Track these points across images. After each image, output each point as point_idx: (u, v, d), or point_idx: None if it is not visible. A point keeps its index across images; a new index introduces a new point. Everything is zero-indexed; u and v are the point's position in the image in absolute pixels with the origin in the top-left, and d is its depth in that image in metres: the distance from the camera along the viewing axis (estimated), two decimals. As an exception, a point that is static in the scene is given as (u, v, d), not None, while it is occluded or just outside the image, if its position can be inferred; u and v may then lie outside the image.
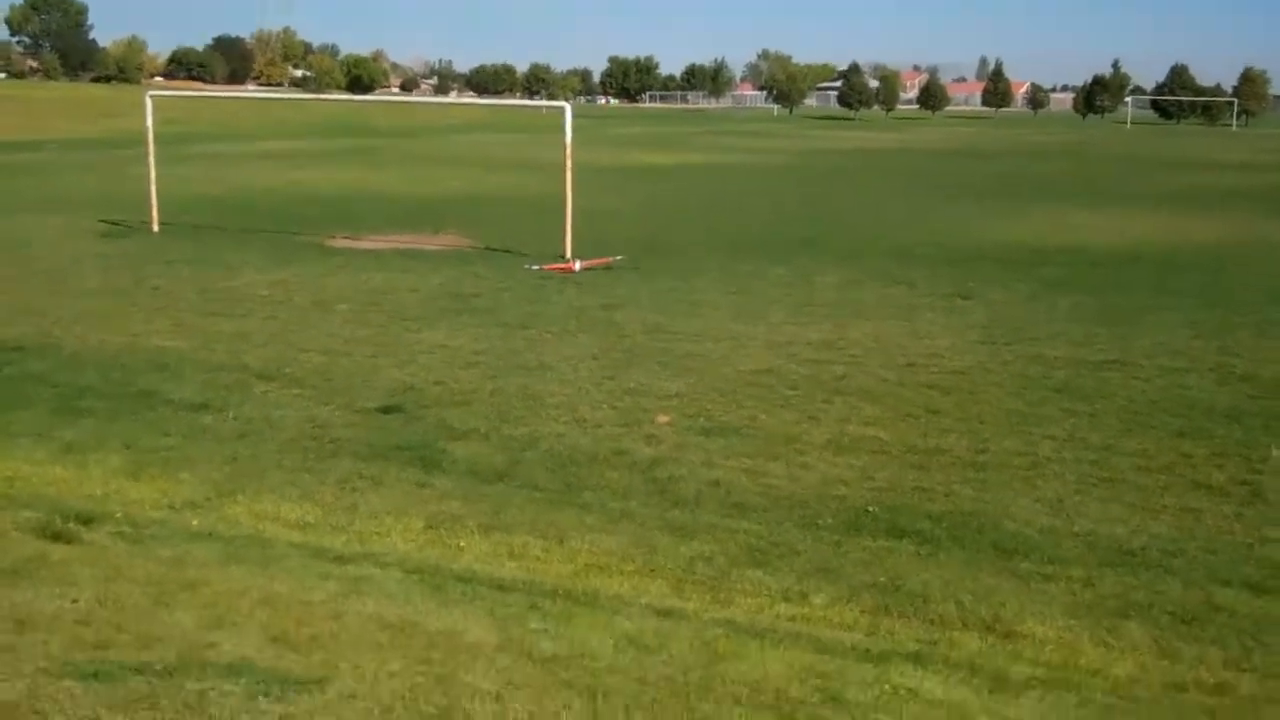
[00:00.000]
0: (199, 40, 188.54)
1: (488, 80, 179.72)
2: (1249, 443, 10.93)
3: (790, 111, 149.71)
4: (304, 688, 5.62)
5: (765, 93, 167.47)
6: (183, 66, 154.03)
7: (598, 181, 35.67)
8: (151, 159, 25.57)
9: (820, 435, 11.00)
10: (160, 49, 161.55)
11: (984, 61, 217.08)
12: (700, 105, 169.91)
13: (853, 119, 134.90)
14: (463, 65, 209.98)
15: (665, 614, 7.15)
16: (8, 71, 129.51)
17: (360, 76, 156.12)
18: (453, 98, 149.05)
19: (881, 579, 7.91)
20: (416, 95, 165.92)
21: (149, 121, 26.16)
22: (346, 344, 14.34)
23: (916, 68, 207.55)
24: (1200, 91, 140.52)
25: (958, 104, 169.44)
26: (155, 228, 24.78)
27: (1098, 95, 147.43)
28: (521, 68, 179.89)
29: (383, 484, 9.51)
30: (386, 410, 11.55)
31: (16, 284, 18.26)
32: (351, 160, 49.48)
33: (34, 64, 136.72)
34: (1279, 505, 9.41)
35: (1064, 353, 14.36)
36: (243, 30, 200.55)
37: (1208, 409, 12.03)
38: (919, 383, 12.92)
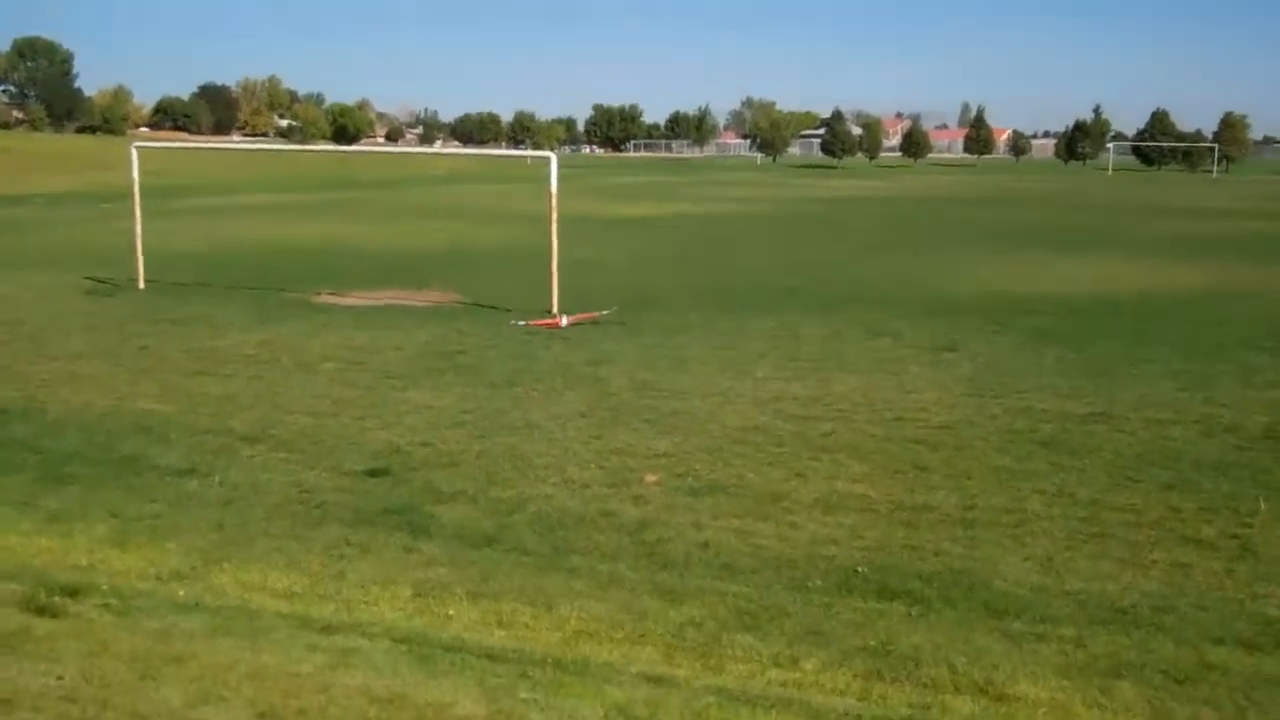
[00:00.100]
0: (184, 89, 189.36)
1: (473, 129, 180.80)
2: (1237, 495, 10.96)
3: (774, 160, 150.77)
4: (292, 768, 5.56)
5: (749, 141, 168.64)
6: (168, 116, 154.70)
7: (583, 233, 35.80)
8: (138, 213, 25.58)
9: (808, 493, 11.00)
10: (146, 98, 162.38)
11: (966, 108, 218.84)
12: (684, 154, 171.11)
13: (836, 167, 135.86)
14: (448, 114, 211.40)
15: (656, 682, 7.11)
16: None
17: (345, 126, 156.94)
18: (438, 147, 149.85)
19: (872, 642, 7.87)
20: (402, 145, 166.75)
21: (134, 175, 26.19)
22: (333, 405, 14.31)
23: (899, 114, 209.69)
24: (1181, 137, 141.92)
25: (940, 150, 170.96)
26: (141, 284, 24.77)
27: (1079, 141, 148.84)
28: (506, 116, 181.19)
29: (370, 550, 9.45)
30: (373, 473, 11.50)
31: (0, 345, 18.19)
32: (336, 213, 49.62)
33: (19, 114, 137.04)
34: (1269, 560, 9.41)
35: (1050, 406, 14.41)
36: (229, 79, 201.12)
37: (1195, 462, 12.06)
38: (906, 438, 12.93)
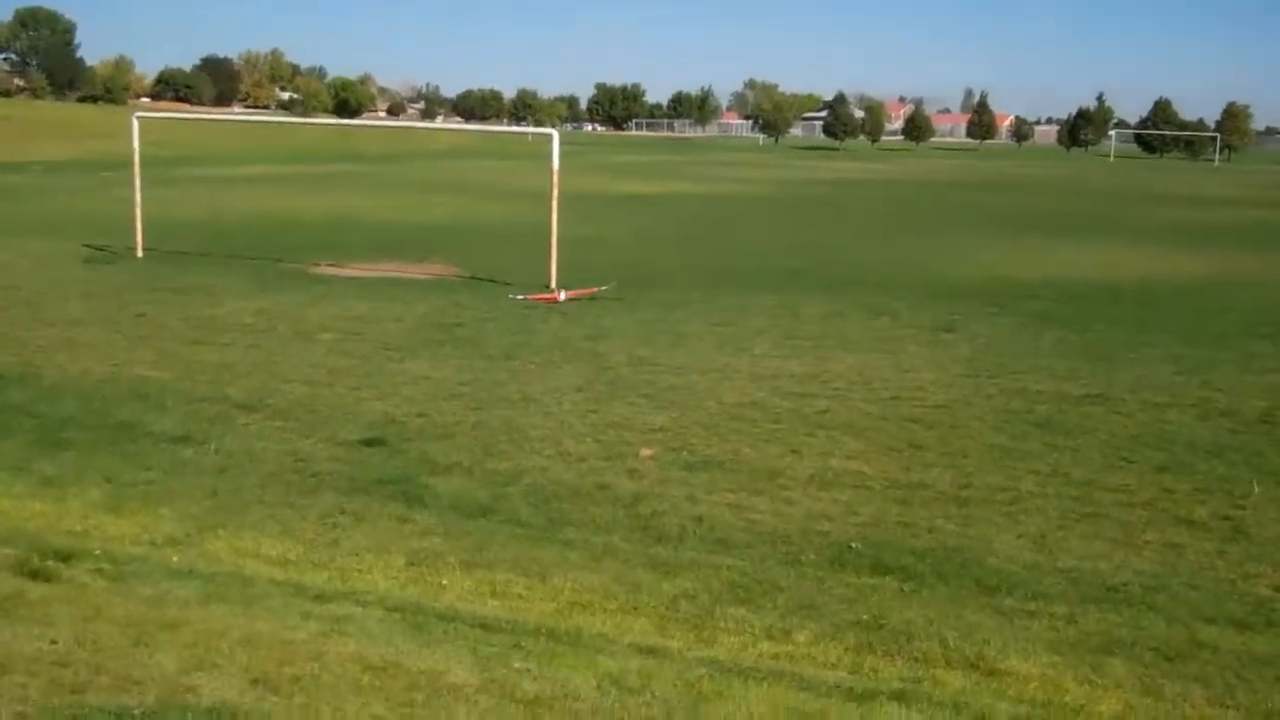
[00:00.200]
0: (186, 61, 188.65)
1: (475, 105, 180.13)
2: (1231, 478, 10.98)
3: (776, 141, 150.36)
4: (284, 731, 5.57)
5: (751, 122, 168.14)
6: (170, 87, 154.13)
7: (583, 210, 35.73)
8: (137, 182, 25.53)
9: (804, 469, 11.00)
10: (148, 69, 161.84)
11: (969, 93, 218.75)
12: (686, 134, 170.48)
13: (838, 149, 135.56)
14: (450, 90, 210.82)
15: (649, 653, 7.12)
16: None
17: (347, 100, 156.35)
18: (440, 123, 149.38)
19: (865, 616, 7.90)
20: (403, 120, 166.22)
21: (135, 144, 26.12)
22: (329, 375, 14.30)
23: (902, 99, 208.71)
24: (1183, 126, 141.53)
25: (942, 135, 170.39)
26: (140, 253, 24.73)
27: (1082, 128, 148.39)
28: (509, 93, 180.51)
29: (364, 519, 9.46)
30: (369, 443, 11.50)
31: (-2, 311, 18.18)
32: (337, 186, 49.52)
33: (20, 82, 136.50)
34: (1261, 541, 9.44)
35: (1047, 387, 14.41)
36: (231, 51, 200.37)
37: (1189, 444, 12.08)
38: (902, 416, 12.94)
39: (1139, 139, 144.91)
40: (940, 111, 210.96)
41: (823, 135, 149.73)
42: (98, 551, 8.32)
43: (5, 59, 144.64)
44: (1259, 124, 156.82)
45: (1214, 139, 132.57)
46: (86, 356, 15.00)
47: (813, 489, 10.48)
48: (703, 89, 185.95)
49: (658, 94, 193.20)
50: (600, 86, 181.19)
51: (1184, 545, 9.31)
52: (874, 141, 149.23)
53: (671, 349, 16.26)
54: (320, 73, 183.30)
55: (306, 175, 55.89)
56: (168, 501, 9.72)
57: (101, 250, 25.54)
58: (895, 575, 8.61)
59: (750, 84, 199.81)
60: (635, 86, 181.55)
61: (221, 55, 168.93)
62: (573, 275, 21.68)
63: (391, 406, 12.88)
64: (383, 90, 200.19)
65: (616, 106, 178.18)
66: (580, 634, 7.39)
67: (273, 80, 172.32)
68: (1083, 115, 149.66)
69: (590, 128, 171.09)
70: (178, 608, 7.24)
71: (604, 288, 21.01)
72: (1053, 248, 31.40)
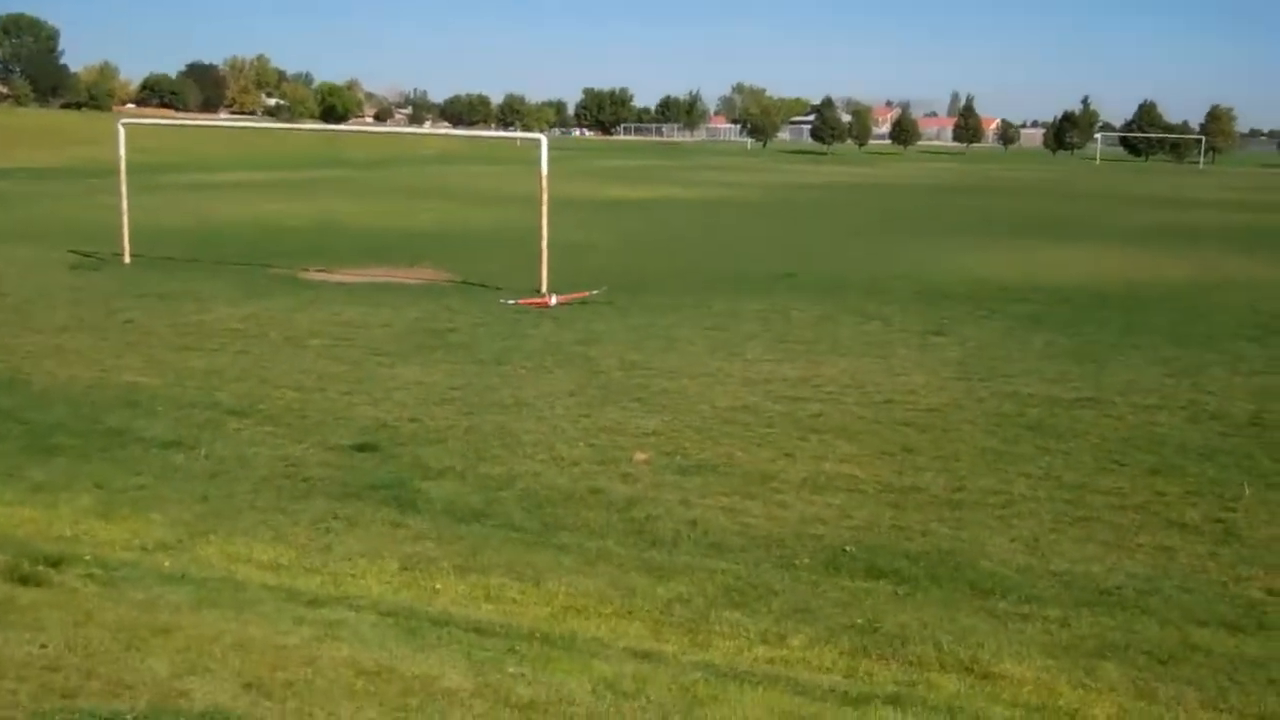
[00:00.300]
0: (171, 67, 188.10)
1: (462, 110, 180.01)
2: (1222, 481, 11.00)
3: (764, 145, 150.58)
4: (278, 736, 5.54)
5: (739, 126, 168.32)
6: (155, 93, 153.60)
7: (573, 215, 35.75)
8: (124, 189, 25.47)
9: (797, 473, 11.00)
10: (132, 75, 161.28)
11: (955, 97, 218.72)
12: (675, 138, 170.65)
13: (825, 153, 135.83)
14: (437, 95, 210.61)
15: (644, 657, 7.11)
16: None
17: (334, 106, 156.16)
18: (427, 128, 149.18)
19: (859, 620, 7.89)
20: (391, 125, 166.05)
21: (121, 151, 26.04)
22: (320, 380, 14.26)
23: (889, 103, 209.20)
24: (1168, 129, 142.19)
25: (929, 139, 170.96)
26: (127, 259, 24.65)
27: (1068, 132, 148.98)
28: (496, 98, 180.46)
29: (357, 524, 9.43)
30: (361, 448, 11.47)
31: (-14, 317, 18.09)
32: (325, 191, 49.43)
33: (3, 89, 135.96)
34: (1252, 544, 9.46)
35: (1037, 390, 14.43)
36: (216, 57, 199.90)
37: (1180, 447, 12.11)
38: (895, 420, 12.95)
39: (1124, 142, 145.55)
40: (927, 115, 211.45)
41: (810, 139, 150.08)
42: (88, 557, 8.29)
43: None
44: (1243, 126, 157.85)
45: (1199, 141, 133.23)
46: (75, 363, 14.93)
47: (806, 493, 10.48)
48: (690, 93, 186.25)
49: (645, 98, 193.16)
50: (588, 91, 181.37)
51: (1176, 548, 9.32)
52: (861, 145, 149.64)
53: (663, 353, 16.26)
54: (307, 78, 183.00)
55: (294, 181, 55.77)
56: (159, 507, 9.68)
57: (88, 256, 25.44)
58: (889, 579, 8.61)
59: (738, 88, 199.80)
60: (623, 91, 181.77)
61: (207, 61, 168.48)
62: (563, 280, 21.67)
63: (383, 411, 12.85)
64: (370, 95, 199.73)
65: (604, 111, 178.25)
66: (575, 638, 7.37)
67: (259, 86, 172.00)
68: (1068, 118, 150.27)
69: (578, 132, 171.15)
70: (169, 613, 7.21)
71: (595, 292, 21.01)
72: (1040, 251, 31.46)
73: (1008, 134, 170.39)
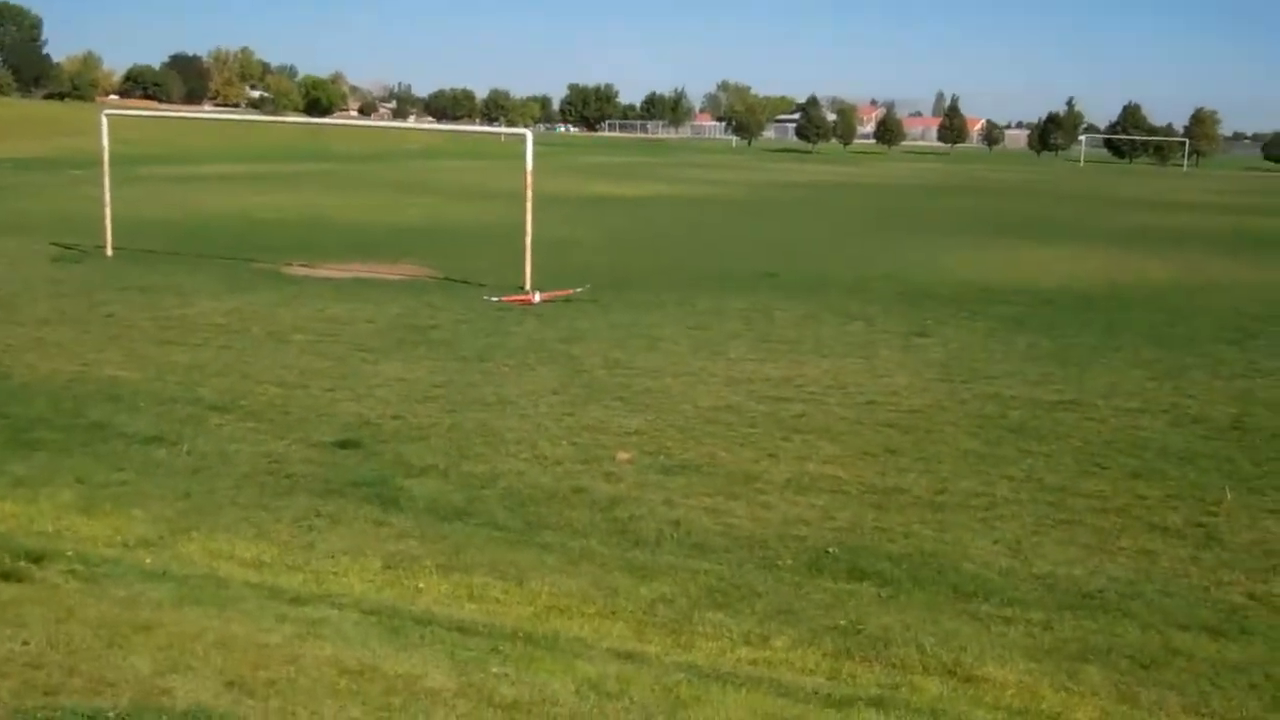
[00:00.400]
0: (155, 58, 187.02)
1: (447, 105, 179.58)
2: (1203, 485, 11.05)
3: (749, 143, 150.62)
4: (260, 736, 5.52)
5: (724, 124, 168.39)
6: (138, 85, 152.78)
7: (558, 211, 35.71)
8: (106, 180, 25.33)
9: (780, 474, 11.01)
10: (116, 66, 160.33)
11: (940, 97, 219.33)
12: (660, 135, 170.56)
13: (810, 152, 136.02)
14: (422, 89, 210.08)
15: (626, 658, 7.10)
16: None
17: (319, 99, 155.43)
18: (412, 122, 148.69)
19: (842, 622, 7.90)
20: (375, 119, 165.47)
21: (104, 142, 25.90)
22: (303, 376, 14.21)
23: (874, 102, 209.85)
24: (1152, 131, 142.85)
25: (914, 138, 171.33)
26: (109, 252, 24.52)
27: (1052, 133, 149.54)
28: (481, 93, 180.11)
29: (340, 522, 9.40)
30: (343, 445, 11.43)
31: (-34, 309, 17.97)
32: (309, 185, 49.26)
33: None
34: (1234, 548, 9.51)
35: (1020, 392, 14.48)
36: (200, 49, 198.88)
37: (1162, 450, 12.16)
38: (877, 421, 12.97)
39: (1109, 144, 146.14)
40: (912, 115, 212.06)
41: (795, 138, 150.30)
42: (70, 553, 8.24)
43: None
44: (1226, 130, 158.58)
45: (1183, 144, 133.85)
46: (56, 356, 14.85)
47: (789, 493, 10.49)
48: (676, 90, 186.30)
49: (631, 95, 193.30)
50: (573, 87, 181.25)
51: (1158, 552, 9.36)
52: (846, 144, 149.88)
53: (647, 352, 16.25)
54: (291, 71, 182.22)
55: (277, 174, 55.58)
56: (140, 503, 9.63)
57: (70, 249, 25.30)
58: (872, 580, 8.62)
59: (723, 86, 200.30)
60: (608, 87, 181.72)
61: (191, 53, 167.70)
62: (547, 277, 21.65)
63: (366, 408, 12.81)
64: (354, 89, 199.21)
65: (589, 107, 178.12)
66: (558, 638, 7.36)
67: (243, 78, 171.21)
68: (1053, 120, 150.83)
69: (563, 128, 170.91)
70: (151, 610, 7.18)
71: (579, 290, 20.99)
72: (1024, 252, 31.56)
73: (992, 135, 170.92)
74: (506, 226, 27.49)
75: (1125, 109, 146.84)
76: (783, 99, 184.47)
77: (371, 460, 11.02)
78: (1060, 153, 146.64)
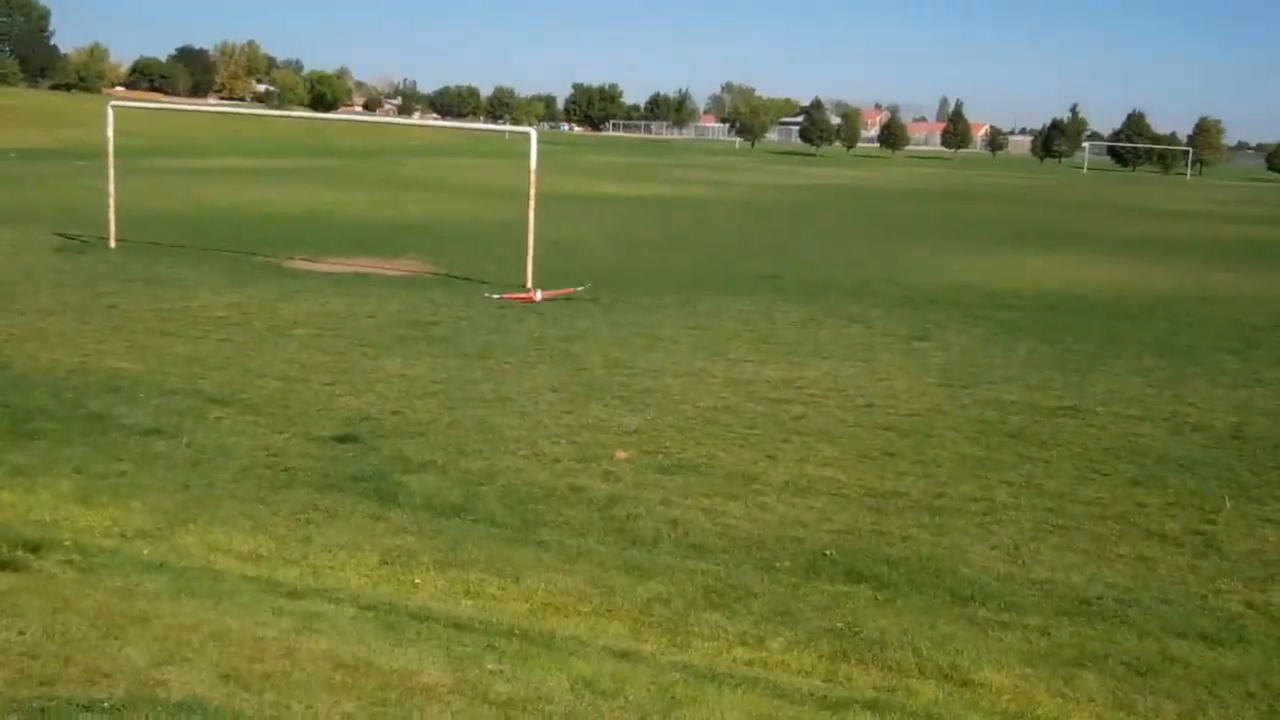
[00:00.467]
0: (162, 50, 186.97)
1: (451, 102, 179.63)
2: (1202, 493, 11.04)
3: (752, 145, 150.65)
4: (255, 729, 5.52)
5: (728, 125, 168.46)
6: (145, 77, 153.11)
7: (560, 210, 35.71)
8: (111, 172, 25.32)
9: (778, 475, 11.00)
10: (122, 58, 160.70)
11: (944, 102, 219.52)
12: (664, 136, 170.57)
13: (814, 155, 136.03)
14: (427, 86, 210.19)
15: (622, 656, 7.09)
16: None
17: (324, 94, 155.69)
18: (416, 119, 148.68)
19: (839, 624, 7.89)
20: (380, 115, 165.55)
21: (109, 133, 25.89)
22: (303, 370, 14.21)
23: (878, 106, 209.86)
24: (1156, 139, 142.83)
25: (917, 143, 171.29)
26: (112, 243, 24.52)
27: (1055, 139, 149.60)
28: (486, 91, 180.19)
29: (337, 516, 9.39)
30: (342, 440, 11.43)
31: (-33, 298, 17.97)
32: (312, 180, 49.27)
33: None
34: (1232, 556, 9.50)
35: (1020, 398, 14.47)
36: (207, 42, 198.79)
37: (1161, 458, 12.15)
38: (876, 424, 12.96)
39: (1112, 151, 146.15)
40: (916, 120, 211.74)
41: (799, 140, 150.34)
42: (67, 543, 8.24)
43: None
44: (1230, 139, 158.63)
45: (1186, 153, 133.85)
46: (57, 347, 14.85)
47: (788, 495, 10.48)
48: (680, 91, 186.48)
49: (635, 95, 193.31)
50: (578, 86, 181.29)
51: (1156, 559, 9.35)
52: (849, 148, 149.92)
53: (647, 351, 16.25)
54: (297, 66, 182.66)
55: (281, 169, 55.60)
56: (139, 494, 9.62)
57: (74, 240, 25.31)
58: (869, 583, 8.61)
59: (728, 87, 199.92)
60: (613, 87, 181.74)
61: (197, 46, 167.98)
62: (549, 275, 21.64)
63: (365, 403, 12.81)
64: (359, 85, 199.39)
65: (594, 107, 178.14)
66: (554, 636, 7.36)
67: (249, 72, 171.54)
68: (1056, 126, 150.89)
69: (567, 127, 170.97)
70: (148, 601, 7.17)
71: (580, 288, 20.98)
72: (1026, 258, 31.55)
73: (996, 140, 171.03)
74: (509, 224, 27.51)
75: (1129, 117, 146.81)
76: (787, 102, 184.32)
77: (370, 455, 11.02)
78: (1064, 159, 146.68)
